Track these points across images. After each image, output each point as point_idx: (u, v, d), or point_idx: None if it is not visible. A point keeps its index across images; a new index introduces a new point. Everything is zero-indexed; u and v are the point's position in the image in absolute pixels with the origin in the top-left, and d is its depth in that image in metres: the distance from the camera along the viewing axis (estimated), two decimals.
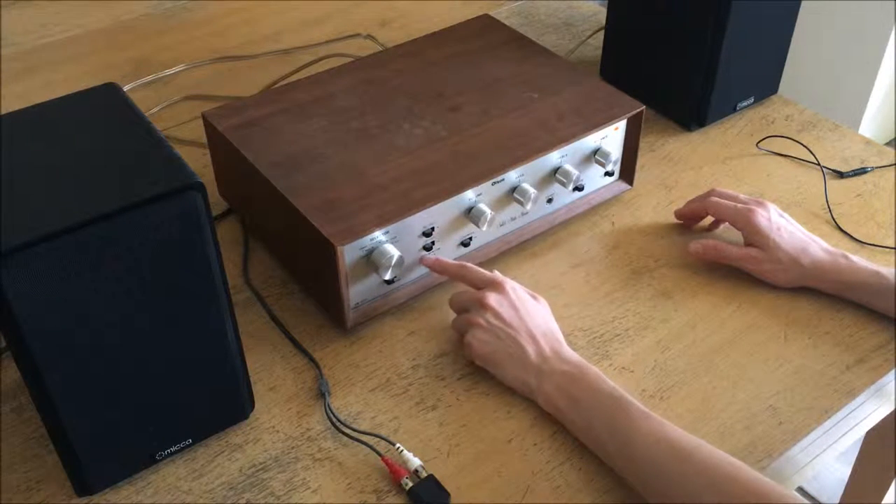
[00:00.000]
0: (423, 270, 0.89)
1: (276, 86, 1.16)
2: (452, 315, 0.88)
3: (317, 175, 0.87)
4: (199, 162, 1.05)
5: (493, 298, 0.80)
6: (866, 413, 0.86)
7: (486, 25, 1.10)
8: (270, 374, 0.83)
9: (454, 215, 0.88)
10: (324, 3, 1.40)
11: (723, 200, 0.93)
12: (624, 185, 1.02)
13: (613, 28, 1.17)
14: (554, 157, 0.93)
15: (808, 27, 1.49)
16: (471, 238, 0.91)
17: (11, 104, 0.87)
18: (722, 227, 0.98)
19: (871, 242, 0.96)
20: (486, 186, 0.88)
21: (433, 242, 0.88)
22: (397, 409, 0.80)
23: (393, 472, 0.73)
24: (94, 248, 0.60)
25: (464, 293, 0.84)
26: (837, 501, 1.44)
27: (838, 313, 0.88)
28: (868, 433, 1.20)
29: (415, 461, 0.74)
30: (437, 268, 0.86)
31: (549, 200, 0.96)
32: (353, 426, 0.78)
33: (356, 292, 0.85)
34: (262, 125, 0.93)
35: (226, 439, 0.77)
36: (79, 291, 0.61)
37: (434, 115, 0.94)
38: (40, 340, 0.61)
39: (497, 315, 0.79)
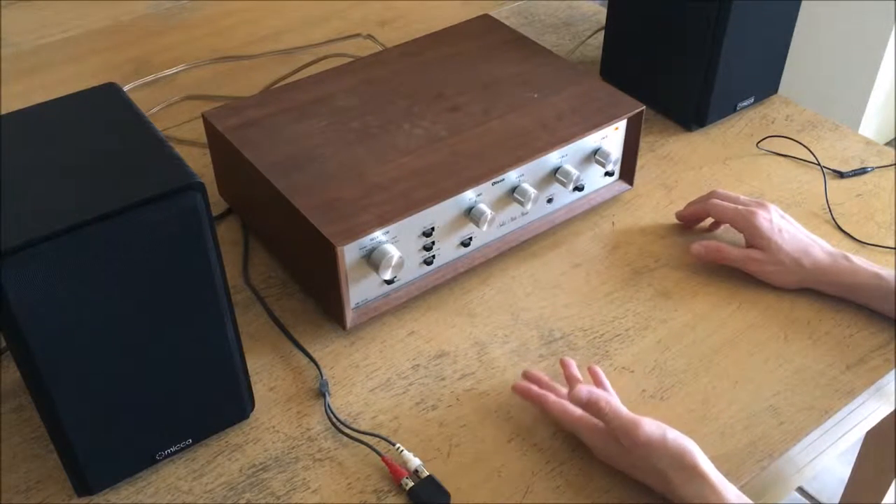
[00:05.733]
0: (423, 270, 0.89)
1: (276, 86, 1.16)
2: (451, 315, 0.88)
3: (317, 175, 0.87)
4: (199, 162, 1.05)
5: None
6: (866, 413, 0.86)
7: (486, 25, 1.10)
8: (270, 374, 0.83)
9: (454, 215, 0.88)
10: (324, 3, 1.40)
11: (724, 202, 0.93)
12: (624, 185, 1.02)
13: (613, 28, 1.17)
14: (554, 157, 0.93)
15: (808, 27, 1.49)
16: (471, 238, 0.91)
17: (11, 104, 0.87)
18: (722, 227, 0.98)
19: (872, 242, 0.96)
20: (486, 186, 0.88)
21: (433, 242, 0.88)
22: (397, 409, 0.80)
23: (393, 472, 0.73)
24: (94, 248, 0.60)
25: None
26: (837, 501, 1.44)
27: (838, 314, 0.88)
28: (868, 433, 1.20)
29: (415, 461, 0.74)
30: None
31: (549, 200, 0.96)
32: (353, 426, 0.78)
33: (356, 292, 0.85)
34: (262, 125, 0.93)
35: (226, 439, 0.77)
36: (79, 291, 0.61)
37: (434, 115, 0.94)
38: (40, 340, 0.61)
39: None
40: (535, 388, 0.78)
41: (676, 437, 0.70)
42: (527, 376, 0.81)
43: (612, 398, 0.74)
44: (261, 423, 0.79)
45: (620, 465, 0.73)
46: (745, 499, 0.68)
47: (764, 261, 0.89)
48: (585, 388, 0.74)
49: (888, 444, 1.20)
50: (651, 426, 0.70)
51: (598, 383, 0.79)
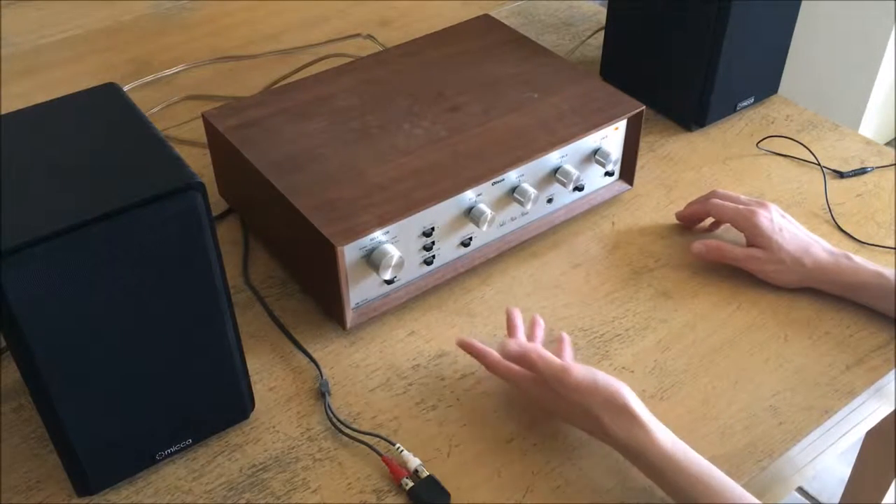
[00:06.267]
0: (423, 270, 0.89)
1: (276, 86, 1.16)
2: (451, 315, 0.88)
3: (317, 175, 0.87)
4: (199, 162, 1.05)
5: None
6: (866, 413, 0.86)
7: (486, 25, 1.10)
8: (270, 374, 0.83)
9: (454, 215, 0.88)
10: (324, 3, 1.40)
11: (724, 202, 0.93)
12: (624, 185, 1.02)
13: (613, 28, 1.17)
14: (554, 157, 0.93)
15: (808, 27, 1.49)
16: (471, 238, 0.91)
17: (11, 104, 0.87)
18: (722, 227, 0.98)
19: (872, 242, 0.96)
20: (486, 186, 0.88)
21: (433, 242, 0.88)
22: (397, 409, 0.80)
23: (393, 472, 0.73)
24: (94, 248, 0.60)
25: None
26: (837, 501, 1.44)
27: (838, 313, 0.88)
28: (868, 433, 1.20)
29: (415, 461, 0.74)
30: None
31: (549, 200, 0.96)
32: (353, 426, 0.78)
33: (356, 292, 0.85)
34: (262, 125, 0.93)
35: (226, 439, 0.77)
36: (79, 291, 0.61)
37: (434, 115, 0.94)
38: (40, 340, 0.61)
39: None
40: (477, 342, 0.80)
41: (607, 378, 0.72)
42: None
43: (542, 349, 0.76)
44: (261, 423, 0.79)
45: (559, 412, 0.75)
46: (674, 437, 0.70)
47: (765, 259, 0.89)
48: (515, 343, 0.76)
49: (888, 444, 1.20)
50: (581, 370, 0.72)
51: (532, 332, 0.82)
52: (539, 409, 0.77)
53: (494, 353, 0.79)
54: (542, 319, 0.83)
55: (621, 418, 0.70)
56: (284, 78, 1.20)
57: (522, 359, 0.75)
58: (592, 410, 0.71)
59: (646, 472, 0.71)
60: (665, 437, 0.69)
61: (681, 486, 0.68)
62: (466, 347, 0.81)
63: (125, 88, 1.15)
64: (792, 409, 0.80)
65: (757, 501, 0.67)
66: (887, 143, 2.38)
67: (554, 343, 0.86)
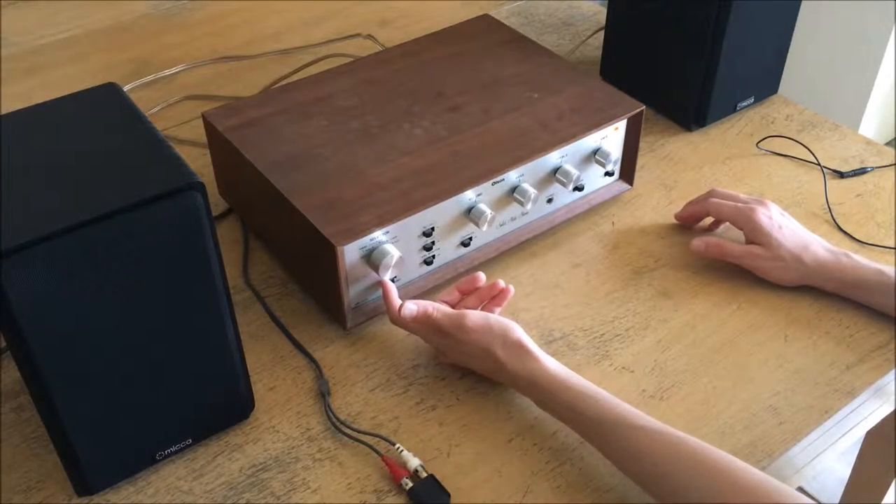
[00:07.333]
0: (423, 270, 0.89)
1: (276, 86, 1.16)
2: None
3: (317, 175, 0.87)
4: (199, 162, 1.05)
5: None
6: (866, 413, 0.86)
7: (486, 25, 1.10)
8: (270, 374, 0.83)
9: (454, 215, 0.88)
10: (324, 3, 1.40)
11: (723, 201, 0.93)
12: (624, 185, 1.02)
13: (613, 28, 1.17)
14: (554, 157, 0.93)
15: (808, 27, 1.49)
16: (471, 238, 0.91)
17: (11, 104, 0.86)
18: (722, 227, 0.98)
19: (872, 242, 0.96)
20: (486, 186, 0.88)
21: (433, 242, 0.88)
22: (397, 409, 0.80)
23: (393, 472, 0.73)
24: (94, 248, 0.60)
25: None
26: (837, 501, 1.44)
27: (839, 313, 0.88)
28: (868, 433, 1.20)
29: (415, 461, 0.74)
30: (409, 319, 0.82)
31: (549, 200, 0.96)
32: (353, 426, 0.78)
33: (356, 292, 0.85)
34: (262, 125, 0.93)
35: (226, 439, 0.77)
36: (79, 291, 0.61)
37: (434, 115, 0.94)
38: (40, 340, 0.61)
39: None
40: (393, 293, 0.83)
41: (499, 318, 0.79)
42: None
43: (440, 305, 0.81)
44: (261, 423, 0.79)
45: (460, 357, 0.80)
46: (560, 363, 0.76)
47: (764, 256, 0.89)
48: (412, 304, 0.81)
49: (888, 444, 1.20)
50: (476, 315, 0.79)
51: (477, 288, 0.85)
52: (446, 361, 0.83)
53: (397, 308, 0.82)
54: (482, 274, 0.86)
55: (515, 352, 0.76)
56: (284, 78, 1.20)
57: (420, 318, 0.80)
58: (489, 348, 0.77)
59: (539, 399, 0.76)
60: (552, 363, 0.76)
61: (569, 402, 0.73)
62: (383, 286, 0.83)
63: (125, 88, 1.15)
64: (792, 409, 0.80)
65: (638, 412, 0.72)
66: (887, 143, 2.38)
67: (554, 343, 0.86)
